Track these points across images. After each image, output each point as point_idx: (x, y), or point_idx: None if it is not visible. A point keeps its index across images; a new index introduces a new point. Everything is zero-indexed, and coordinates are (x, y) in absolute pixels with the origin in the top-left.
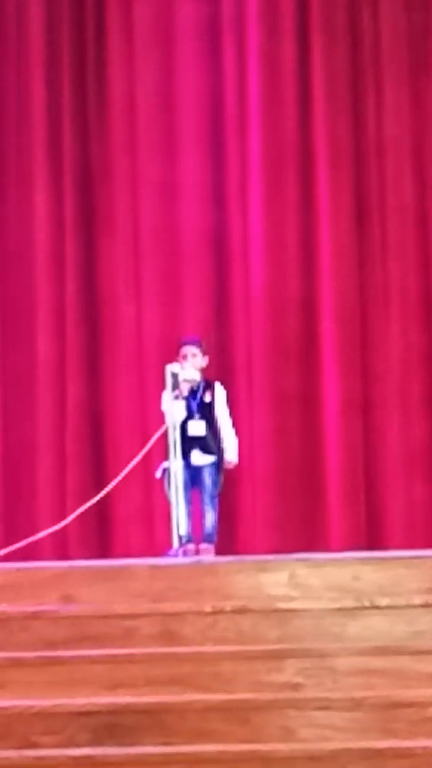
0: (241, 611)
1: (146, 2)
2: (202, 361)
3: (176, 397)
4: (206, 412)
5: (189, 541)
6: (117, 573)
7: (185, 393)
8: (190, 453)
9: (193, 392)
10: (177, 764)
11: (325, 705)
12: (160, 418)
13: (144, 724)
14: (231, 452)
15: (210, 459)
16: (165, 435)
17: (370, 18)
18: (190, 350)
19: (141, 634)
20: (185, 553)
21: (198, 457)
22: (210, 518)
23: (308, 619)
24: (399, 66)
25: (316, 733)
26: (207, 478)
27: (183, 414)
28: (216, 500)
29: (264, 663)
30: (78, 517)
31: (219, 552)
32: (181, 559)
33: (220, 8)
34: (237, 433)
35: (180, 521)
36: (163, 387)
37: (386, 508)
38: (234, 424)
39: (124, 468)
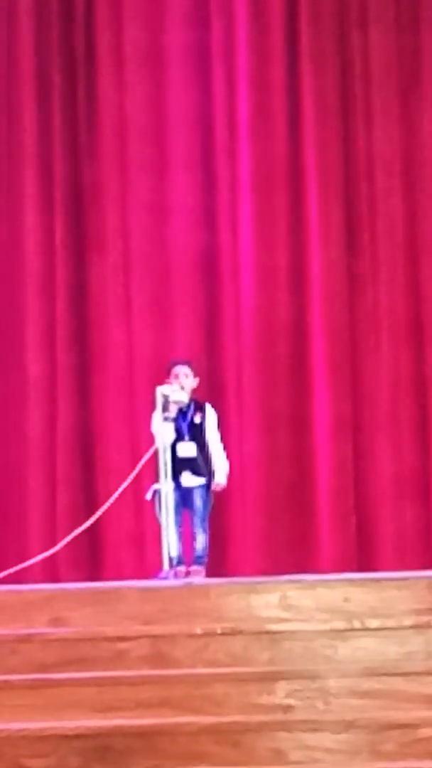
0: (232, 633)
1: (136, 25)
2: (192, 381)
3: (166, 419)
4: (196, 433)
5: (179, 563)
6: (107, 595)
7: (173, 414)
8: (180, 475)
9: (183, 413)
10: None
11: (316, 727)
12: (151, 439)
13: (135, 747)
14: (221, 474)
15: (200, 481)
16: (155, 457)
17: (360, 39)
18: (181, 370)
19: (131, 657)
20: (176, 576)
21: (188, 479)
22: (200, 540)
23: (299, 640)
24: (388, 88)
25: (307, 755)
26: (197, 500)
27: (173, 435)
28: (206, 522)
29: (255, 685)
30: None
31: (210, 574)
32: (171, 582)
33: (210, 31)
34: (227, 455)
35: (170, 543)
36: (153, 409)
37: (377, 530)
38: (224, 446)
39: (114, 490)
